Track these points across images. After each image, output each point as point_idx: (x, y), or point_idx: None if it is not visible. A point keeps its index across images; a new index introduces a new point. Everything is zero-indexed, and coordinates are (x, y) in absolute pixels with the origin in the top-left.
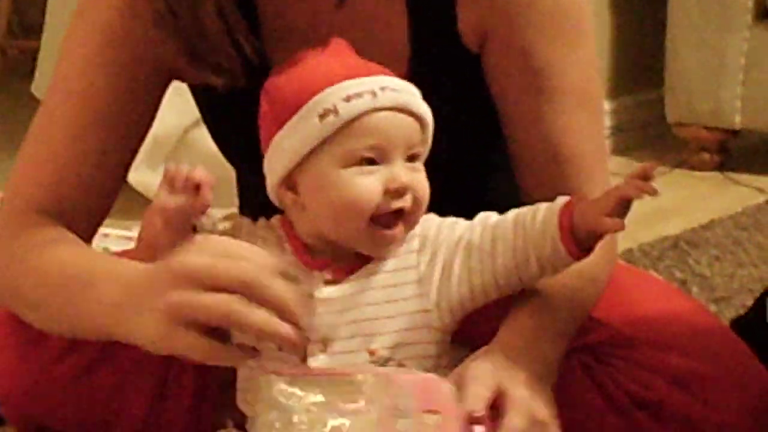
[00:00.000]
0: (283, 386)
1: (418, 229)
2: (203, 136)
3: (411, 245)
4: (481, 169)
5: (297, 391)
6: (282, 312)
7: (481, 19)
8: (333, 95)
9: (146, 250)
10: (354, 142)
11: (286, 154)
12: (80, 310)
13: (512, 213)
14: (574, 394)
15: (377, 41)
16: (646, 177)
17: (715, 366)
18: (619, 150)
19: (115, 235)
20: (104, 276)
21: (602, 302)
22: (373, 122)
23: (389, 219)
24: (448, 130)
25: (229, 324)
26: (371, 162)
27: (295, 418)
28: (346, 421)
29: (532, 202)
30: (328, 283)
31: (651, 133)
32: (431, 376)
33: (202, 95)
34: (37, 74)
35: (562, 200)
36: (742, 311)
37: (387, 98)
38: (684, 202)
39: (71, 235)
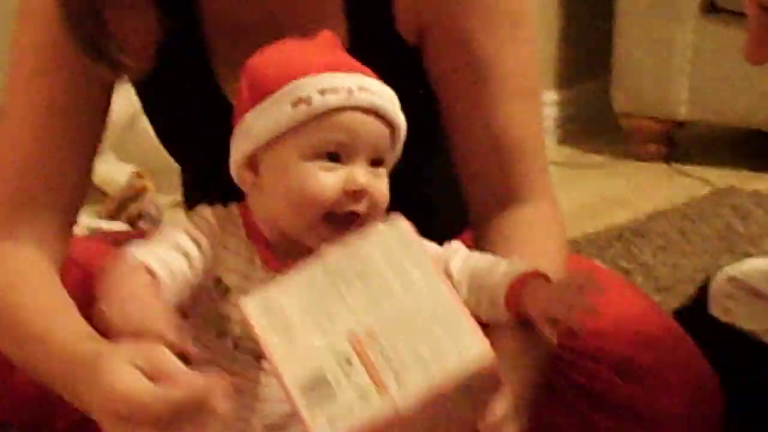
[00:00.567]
0: None
1: None
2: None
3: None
4: (416, 160)
5: None
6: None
7: (419, 11)
8: (309, 85)
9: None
10: (321, 136)
11: (254, 134)
12: (32, 364)
13: (474, 261)
14: None
15: (314, 33)
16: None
17: (657, 354)
18: (566, 140)
19: None
20: (58, 347)
21: None
22: (344, 119)
23: (342, 220)
24: None
25: None
26: (335, 158)
27: None
28: None
29: (472, 192)
30: None
31: (597, 123)
32: None
33: (139, 88)
34: None
35: (518, 270)
36: (685, 301)
37: (362, 98)
38: (630, 192)
39: (34, 266)
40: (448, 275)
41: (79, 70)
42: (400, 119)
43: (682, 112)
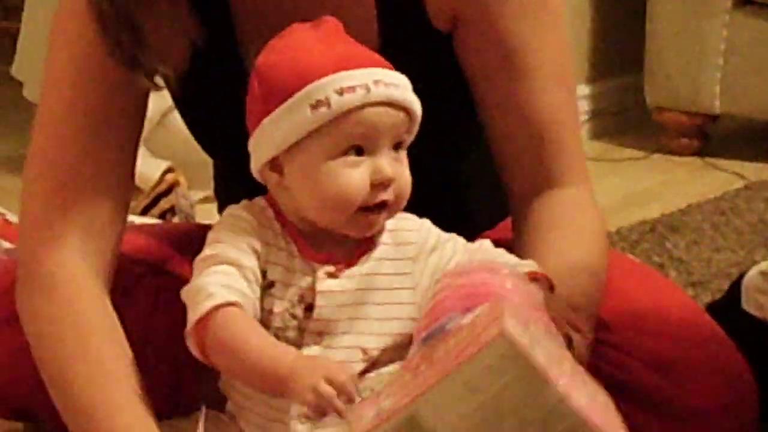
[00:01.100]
0: None
1: (413, 236)
2: (181, 120)
3: (407, 251)
4: (448, 150)
5: None
6: None
7: (449, 1)
8: (326, 87)
9: None
10: (343, 134)
11: (274, 139)
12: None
13: (496, 253)
14: None
15: (345, 24)
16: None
17: (691, 350)
18: (598, 135)
19: None
20: None
21: None
22: (364, 116)
23: (373, 210)
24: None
25: None
26: (358, 151)
27: None
28: None
29: (510, 180)
30: (330, 275)
31: (630, 117)
32: None
33: (176, 89)
34: (17, 56)
35: (524, 269)
36: (718, 296)
37: (379, 93)
38: (663, 186)
39: (102, 323)
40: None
41: (116, 82)
42: (416, 104)
43: (716, 106)
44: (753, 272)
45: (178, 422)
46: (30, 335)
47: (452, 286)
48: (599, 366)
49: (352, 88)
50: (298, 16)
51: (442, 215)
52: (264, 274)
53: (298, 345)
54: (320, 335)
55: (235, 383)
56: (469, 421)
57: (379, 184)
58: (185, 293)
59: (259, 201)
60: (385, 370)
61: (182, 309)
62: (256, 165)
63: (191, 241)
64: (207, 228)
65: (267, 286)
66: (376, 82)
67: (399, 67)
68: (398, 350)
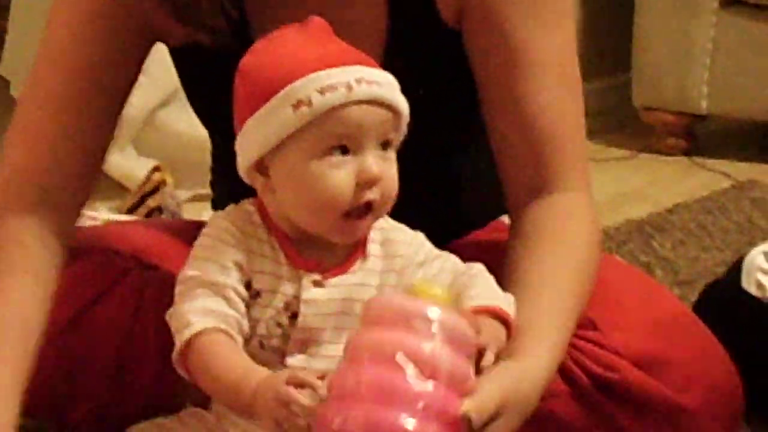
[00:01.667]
0: None
1: (403, 249)
2: (170, 117)
3: (395, 263)
4: (450, 146)
5: None
6: None
7: None
8: (307, 86)
9: None
10: (326, 133)
11: (258, 140)
12: None
13: (483, 279)
14: None
15: (355, 14)
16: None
17: (678, 350)
18: (586, 134)
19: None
20: None
21: None
22: (346, 114)
23: (359, 211)
24: (422, 106)
25: None
26: (343, 150)
27: None
28: None
29: (507, 180)
30: (316, 284)
31: (617, 117)
32: None
33: (182, 59)
34: (4, 54)
35: (481, 302)
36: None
37: (362, 91)
38: (650, 186)
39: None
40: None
41: (104, 58)
42: (401, 103)
43: (703, 106)
44: (755, 252)
45: (164, 420)
46: None
47: (364, 349)
48: (587, 365)
49: (333, 87)
50: (309, 7)
51: (438, 212)
52: (249, 284)
53: (283, 353)
54: (304, 344)
55: None
56: None
57: (365, 183)
58: (169, 317)
59: (247, 205)
60: None
61: (168, 304)
62: (242, 167)
63: (178, 237)
64: (194, 224)
65: (253, 296)
66: (358, 80)
67: (407, 60)
68: None
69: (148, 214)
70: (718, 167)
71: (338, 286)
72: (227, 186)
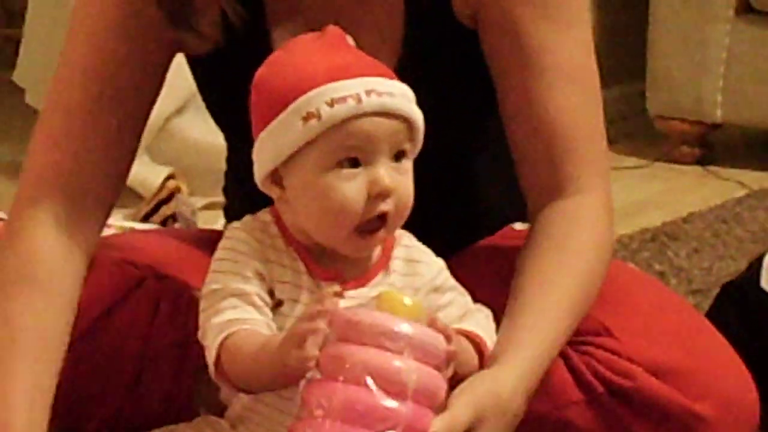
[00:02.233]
0: None
1: (425, 269)
2: (185, 125)
3: (414, 281)
4: (465, 147)
5: None
6: None
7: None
8: (317, 98)
9: None
10: (337, 146)
11: (271, 152)
12: None
13: (485, 323)
14: (550, 382)
15: (374, 17)
16: None
17: (693, 357)
18: None
19: None
20: None
21: None
22: (357, 127)
23: (372, 224)
24: (439, 107)
25: None
26: (354, 162)
27: None
28: None
29: (524, 183)
30: (336, 294)
31: (632, 125)
32: None
33: (200, 67)
34: (19, 62)
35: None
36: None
37: (372, 103)
38: (664, 195)
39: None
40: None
41: (129, 55)
42: (415, 114)
43: (717, 115)
44: None
45: (177, 428)
46: None
47: (334, 366)
48: (602, 373)
49: (342, 99)
50: (327, 13)
51: (456, 214)
52: (272, 293)
53: None
54: None
55: (239, 394)
56: None
57: (377, 195)
58: (201, 336)
59: (264, 215)
60: None
61: (183, 314)
62: (258, 178)
63: (194, 246)
64: (209, 233)
65: (276, 305)
66: (368, 91)
67: (423, 61)
68: None
69: (163, 222)
70: (733, 176)
71: (358, 298)
72: (240, 191)
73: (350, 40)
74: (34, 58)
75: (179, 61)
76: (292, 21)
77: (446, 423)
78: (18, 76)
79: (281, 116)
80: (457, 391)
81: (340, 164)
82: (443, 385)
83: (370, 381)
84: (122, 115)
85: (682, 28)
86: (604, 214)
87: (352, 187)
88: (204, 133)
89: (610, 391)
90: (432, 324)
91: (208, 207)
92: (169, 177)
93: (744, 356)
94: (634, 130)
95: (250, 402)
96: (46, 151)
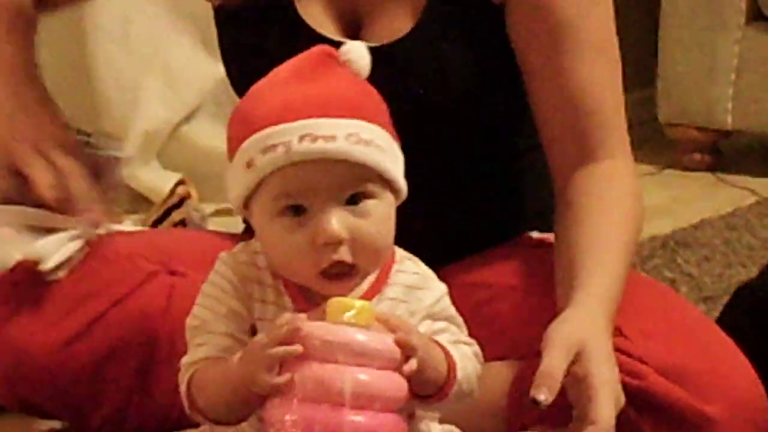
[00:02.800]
0: None
1: (422, 294)
2: (195, 131)
3: (409, 306)
4: (489, 119)
5: None
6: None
7: None
8: (254, 146)
9: None
10: (276, 195)
11: (232, 195)
12: None
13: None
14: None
15: None
16: None
17: (704, 360)
18: None
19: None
20: None
21: None
22: (290, 175)
23: (335, 269)
24: (456, 77)
25: None
26: (298, 210)
27: None
28: None
29: (553, 154)
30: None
31: (642, 132)
32: None
33: (223, 20)
34: None
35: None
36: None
37: (303, 150)
38: (674, 201)
39: None
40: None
41: None
42: (363, 155)
43: (728, 122)
44: None
45: None
46: None
47: (294, 383)
48: None
49: (273, 147)
50: None
51: (465, 222)
52: (254, 329)
53: None
54: None
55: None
56: None
57: (323, 245)
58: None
59: (256, 244)
60: None
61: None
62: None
63: (205, 244)
64: (221, 235)
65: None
66: (302, 136)
67: (441, 31)
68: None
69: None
70: (743, 183)
71: None
72: None
73: (353, 66)
74: (43, 63)
75: (187, 69)
76: None
77: (543, 372)
78: None
79: (234, 160)
80: (542, 343)
81: (283, 212)
82: (403, 385)
83: (332, 393)
84: None
85: (692, 36)
86: (632, 171)
87: (295, 238)
88: (214, 139)
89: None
90: (384, 323)
91: (218, 213)
92: (179, 183)
93: (754, 361)
94: (645, 136)
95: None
96: None
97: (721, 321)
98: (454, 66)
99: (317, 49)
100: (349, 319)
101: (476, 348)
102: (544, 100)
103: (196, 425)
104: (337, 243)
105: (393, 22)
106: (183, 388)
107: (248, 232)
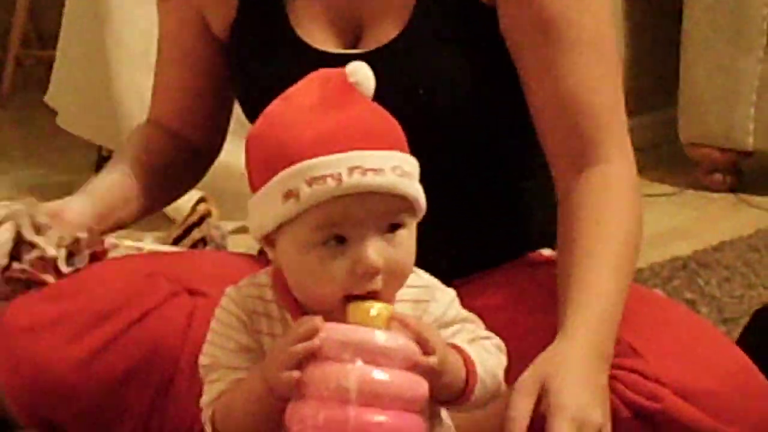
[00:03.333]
0: None
1: (432, 307)
2: None
3: (422, 318)
4: (489, 125)
5: None
6: None
7: None
8: (297, 176)
9: None
10: (318, 225)
11: (257, 221)
12: None
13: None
14: None
15: None
16: None
17: (723, 381)
18: None
19: (125, 246)
20: None
21: None
22: (338, 207)
23: (362, 298)
24: (450, 77)
25: None
26: (339, 240)
27: None
28: None
29: (551, 159)
30: None
31: (663, 153)
32: None
33: (230, 51)
34: (51, 84)
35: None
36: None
37: (354, 183)
38: (695, 222)
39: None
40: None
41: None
42: (409, 189)
43: (749, 142)
44: None
45: None
46: None
47: (314, 385)
48: (627, 396)
49: (322, 178)
50: None
51: (501, 229)
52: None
53: None
54: None
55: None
56: None
57: (362, 275)
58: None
59: (261, 276)
60: None
61: None
62: (252, 236)
63: (225, 265)
64: (240, 256)
65: None
66: (351, 169)
67: (432, 32)
68: None
69: (194, 246)
70: (765, 204)
71: None
72: None
73: (368, 82)
74: (66, 80)
75: None
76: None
77: (508, 418)
78: (50, 98)
79: (265, 188)
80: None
81: (324, 244)
82: (423, 384)
83: (352, 393)
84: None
85: (714, 56)
86: (630, 178)
87: (333, 267)
88: (235, 156)
89: (636, 415)
90: (401, 323)
91: (238, 231)
92: (200, 200)
93: None
94: (666, 157)
95: None
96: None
97: (741, 342)
98: (447, 65)
99: (333, 74)
100: (367, 321)
101: (496, 340)
102: (538, 100)
103: None
104: (374, 273)
105: (390, 26)
106: (208, 426)
107: (265, 253)
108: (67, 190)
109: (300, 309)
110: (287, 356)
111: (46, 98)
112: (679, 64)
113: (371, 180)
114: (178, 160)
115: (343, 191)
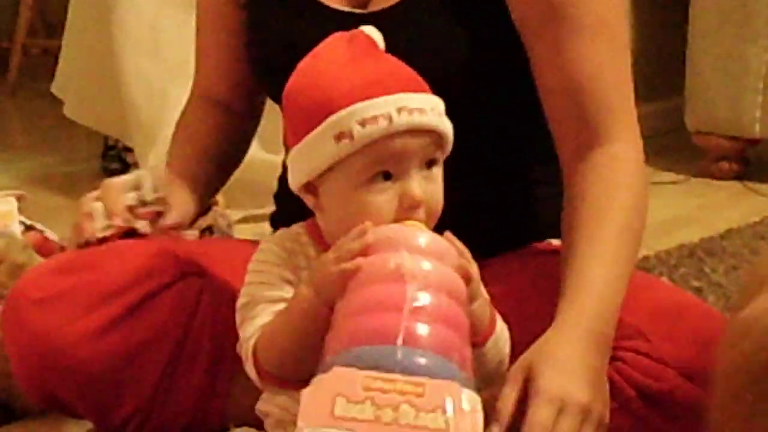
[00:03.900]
0: None
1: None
2: None
3: None
4: (480, 92)
5: None
6: None
7: None
8: (348, 118)
9: None
10: (369, 163)
11: (304, 167)
12: None
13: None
14: None
15: None
16: None
17: None
18: None
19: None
20: None
21: None
22: (389, 145)
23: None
24: (453, 45)
25: None
26: (387, 175)
27: None
28: None
29: (557, 140)
30: None
31: (670, 141)
32: None
33: (252, 12)
34: (57, 73)
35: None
36: None
37: (403, 121)
38: (702, 210)
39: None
40: None
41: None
42: (445, 127)
43: (756, 130)
44: None
45: None
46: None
47: (357, 301)
48: (634, 377)
49: (374, 119)
50: None
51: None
52: None
53: None
54: None
55: (275, 399)
56: None
57: (408, 206)
58: (239, 348)
59: (296, 227)
60: None
61: (223, 311)
62: (293, 187)
63: (234, 250)
64: (248, 243)
65: None
66: (399, 109)
67: (440, 2)
68: None
69: (200, 234)
70: None
71: None
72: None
73: (380, 43)
74: (72, 70)
75: None
76: None
77: (496, 407)
78: (56, 88)
79: (313, 134)
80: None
81: (372, 179)
82: (459, 282)
83: (403, 275)
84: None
85: (720, 44)
86: (637, 158)
87: (384, 199)
88: None
89: (642, 396)
90: (450, 241)
91: (245, 220)
92: None
93: None
94: (672, 145)
95: (286, 402)
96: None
97: None
98: (446, 32)
99: (355, 33)
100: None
101: (502, 323)
102: (547, 82)
103: (221, 429)
104: (418, 206)
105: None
106: (249, 361)
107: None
108: (74, 179)
109: None
110: (343, 252)
111: (53, 88)
112: (686, 52)
113: (417, 119)
114: (231, 131)
115: (394, 129)
